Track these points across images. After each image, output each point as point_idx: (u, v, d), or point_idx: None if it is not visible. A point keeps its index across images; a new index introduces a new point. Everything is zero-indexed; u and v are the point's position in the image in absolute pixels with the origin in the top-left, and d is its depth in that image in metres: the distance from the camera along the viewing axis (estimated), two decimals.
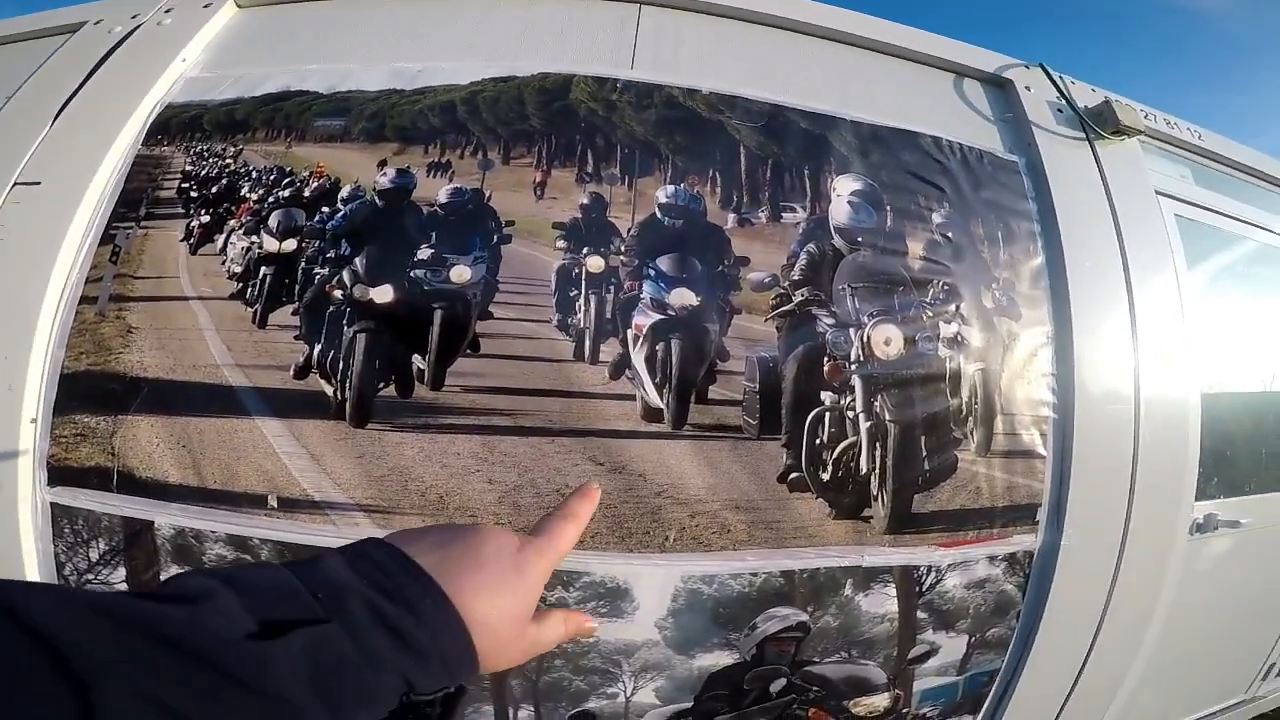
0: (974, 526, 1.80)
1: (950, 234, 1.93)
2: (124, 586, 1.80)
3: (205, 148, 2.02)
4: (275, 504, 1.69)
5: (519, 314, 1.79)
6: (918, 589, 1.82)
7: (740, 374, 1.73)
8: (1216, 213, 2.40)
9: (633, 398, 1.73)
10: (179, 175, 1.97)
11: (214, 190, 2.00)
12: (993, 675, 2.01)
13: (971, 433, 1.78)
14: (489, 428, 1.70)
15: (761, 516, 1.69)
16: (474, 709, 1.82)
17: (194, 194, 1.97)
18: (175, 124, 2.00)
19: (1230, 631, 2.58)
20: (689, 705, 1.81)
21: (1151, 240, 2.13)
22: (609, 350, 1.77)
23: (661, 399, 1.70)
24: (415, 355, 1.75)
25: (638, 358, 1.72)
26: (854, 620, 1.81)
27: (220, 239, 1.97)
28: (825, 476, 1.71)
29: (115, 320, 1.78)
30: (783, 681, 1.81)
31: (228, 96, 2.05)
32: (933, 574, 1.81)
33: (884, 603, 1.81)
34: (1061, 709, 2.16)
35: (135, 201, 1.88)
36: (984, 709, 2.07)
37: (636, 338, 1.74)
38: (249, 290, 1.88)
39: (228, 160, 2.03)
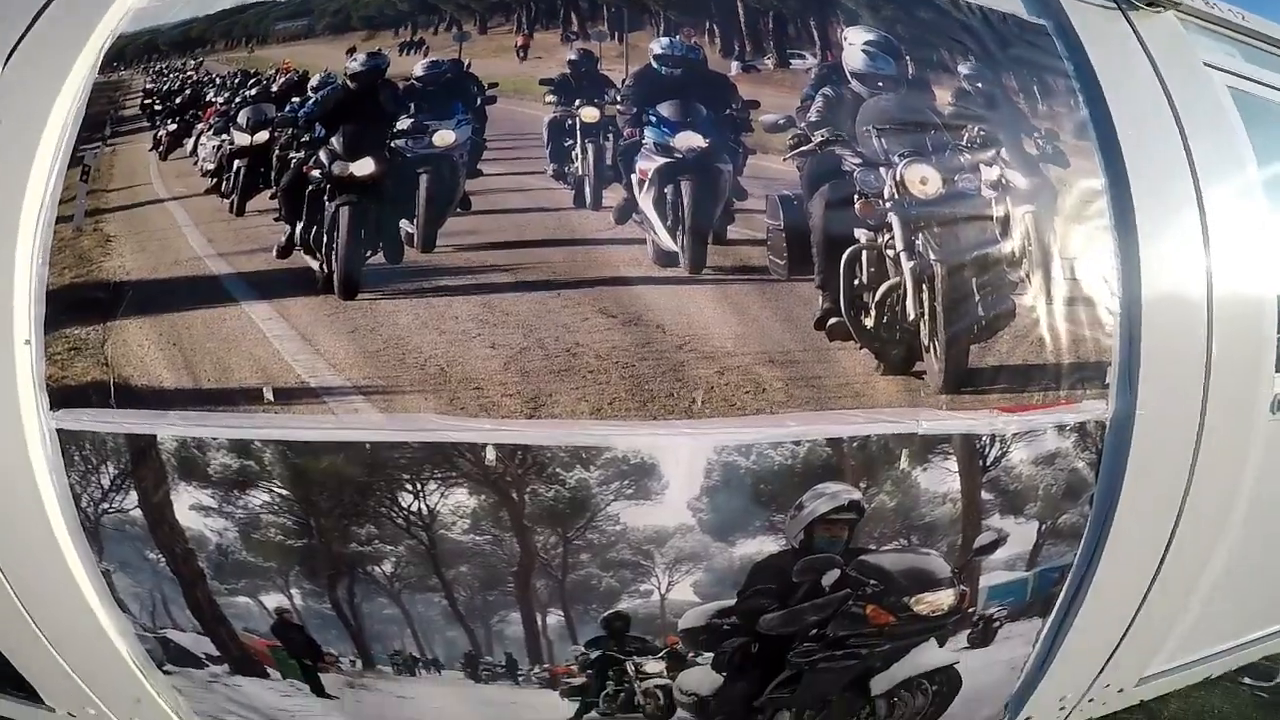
0: (1039, 387, 1.52)
1: (980, 84, 1.67)
2: (137, 513, 1.61)
3: (165, 65, 1.85)
4: (271, 396, 1.45)
5: (511, 169, 1.57)
6: (981, 463, 1.51)
7: (762, 213, 1.44)
8: (1271, 87, 2.10)
9: (643, 241, 1.48)
10: (140, 94, 1.80)
11: (178, 101, 1.84)
12: (1064, 571, 1.69)
13: (1028, 276, 1.48)
14: (488, 286, 1.45)
15: (800, 372, 1.40)
16: (499, 617, 1.54)
17: (158, 108, 1.81)
18: (130, 51, 1.80)
19: None
20: (732, 603, 1.47)
21: (1205, 106, 1.84)
22: (612, 197, 1.53)
23: (675, 241, 1.44)
24: (403, 221, 1.52)
25: (645, 201, 1.48)
26: (912, 500, 1.50)
27: (189, 143, 1.81)
28: (868, 322, 1.43)
29: (93, 233, 1.61)
30: (836, 573, 1.49)
31: (181, 18, 1.85)
32: (997, 445, 1.52)
33: (945, 479, 1.51)
34: (1136, 613, 1.82)
35: (99, 124, 1.71)
36: (1054, 611, 1.74)
37: (642, 182, 1.49)
38: (224, 183, 1.70)
39: (189, 73, 1.86)
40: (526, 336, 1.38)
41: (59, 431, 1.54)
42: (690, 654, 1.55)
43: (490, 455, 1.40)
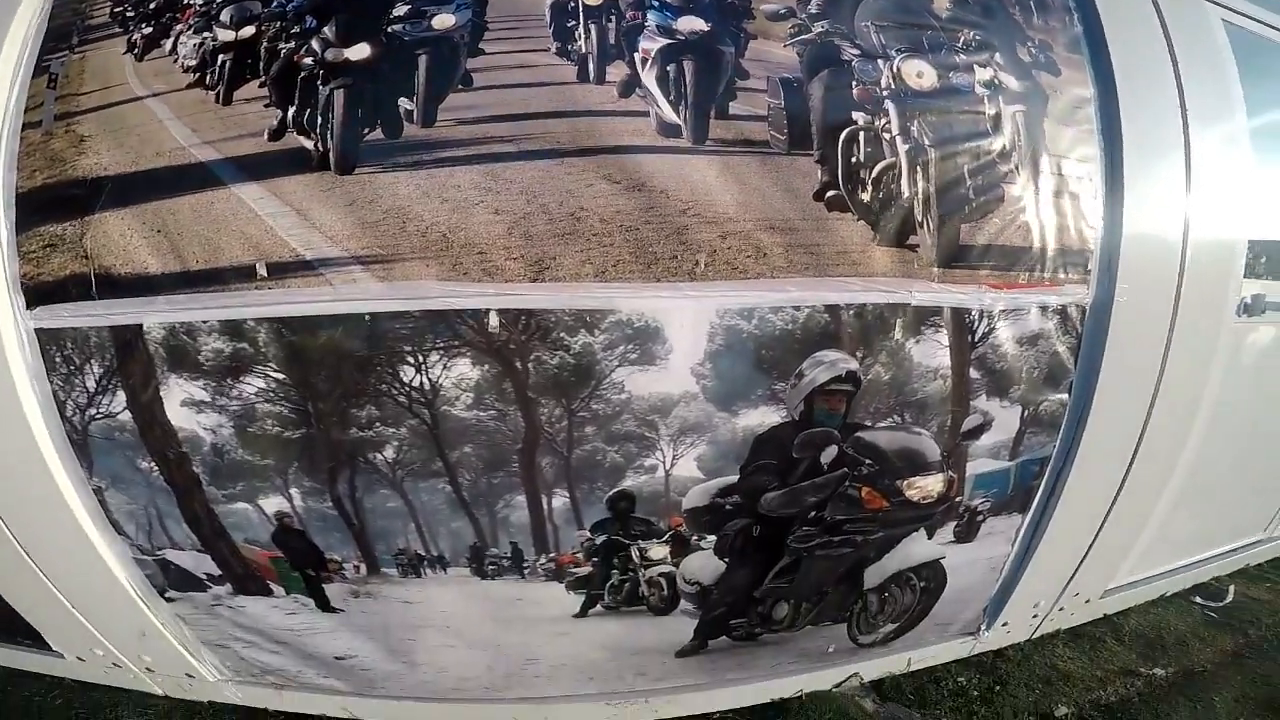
0: (1025, 268, 1.39)
1: None
2: (127, 415, 1.35)
3: None
4: (265, 272, 1.24)
5: (513, 47, 1.39)
6: (970, 338, 1.37)
7: (763, 92, 1.32)
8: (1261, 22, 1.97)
9: (646, 114, 1.33)
10: (110, 2, 1.56)
11: (152, 6, 1.57)
12: (1044, 464, 1.55)
13: (1017, 168, 1.38)
14: (490, 156, 1.27)
15: (800, 239, 1.27)
16: (504, 502, 1.34)
17: (130, 14, 1.55)
18: None
19: (1263, 454, 2.10)
20: (734, 479, 1.29)
21: (1196, 30, 1.64)
22: (615, 73, 1.38)
23: (678, 115, 1.29)
24: (402, 99, 1.34)
25: (648, 78, 1.34)
26: (905, 374, 1.36)
27: (168, 44, 1.54)
28: (865, 197, 1.30)
29: (64, 135, 1.37)
30: (834, 450, 1.33)
31: None
32: (985, 321, 1.39)
33: (936, 353, 1.37)
34: (1106, 517, 1.67)
35: (65, 34, 1.47)
36: (1032, 508, 1.59)
37: (645, 60, 1.35)
38: (208, 78, 1.45)
39: None
40: (530, 202, 1.22)
41: (38, 332, 1.29)
42: (694, 537, 1.36)
43: (494, 321, 1.23)
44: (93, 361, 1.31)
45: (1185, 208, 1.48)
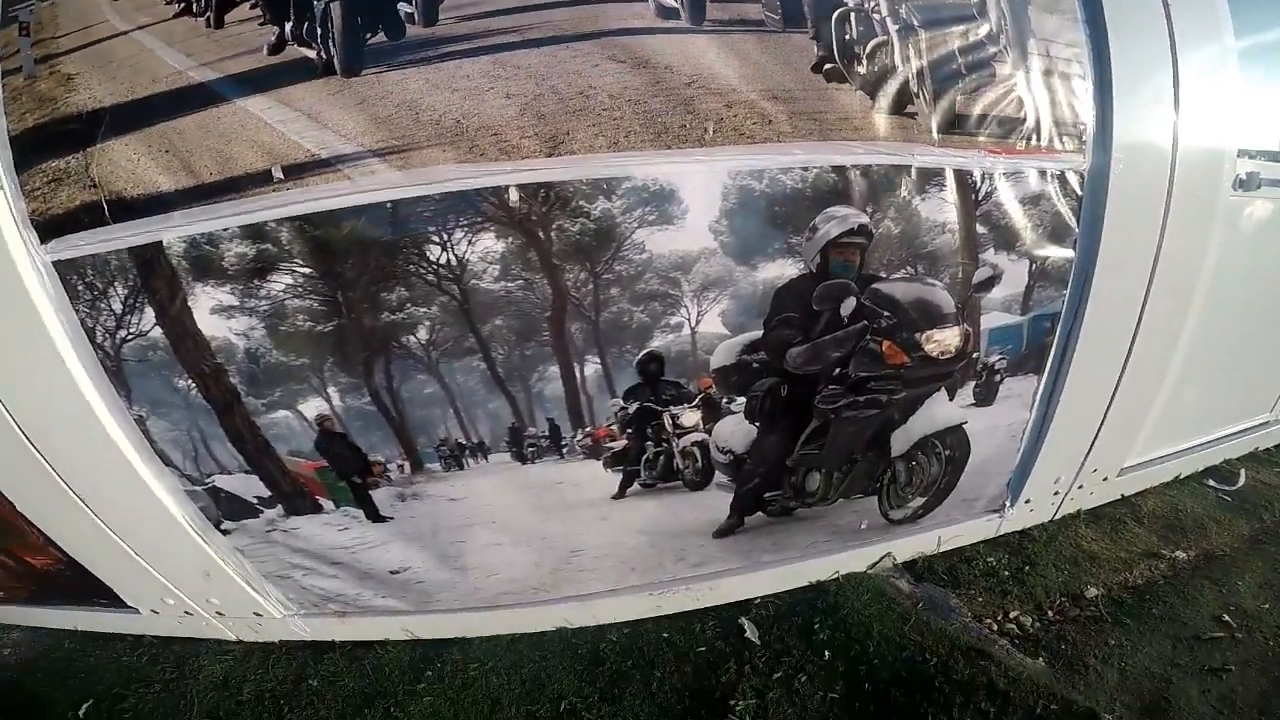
0: (1021, 136, 1.26)
1: None
2: (158, 331, 1.21)
3: None
4: (281, 174, 1.12)
5: None
6: (974, 196, 1.22)
7: None
8: None
9: (644, 0, 1.19)
10: None
11: None
12: (1054, 320, 1.37)
13: (1006, 49, 1.25)
14: (496, 46, 1.15)
15: (802, 107, 1.15)
16: (538, 374, 1.20)
17: None
18: None
19: (1263, 333, 1.87)
20: (758, 334, 1.14)
21: None
22: None
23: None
24: (401, 2, 1.19)
25: None
26: (915, 228, 1.22)
27: None
28: (861, 70, 1.18)
29: (49, 77, 1.22)
30: (852, 302, 1.18)
31: None
32: (986, 181, 1.25)
33: (942, 209, 1.24)
34: (1119, 379, 1.48)
35: None
36: (1048, 366, 1.40)
37: None
38: (194, 5, 1.28)
39: None
40: (539, 85, 1.11)
41: (56, 264, 1.16)
42: (724, 399, 1.21)
43: (514, 196, 1.11)
44: (116, 284, 1.17)
45: (1175, 82, 1.31)
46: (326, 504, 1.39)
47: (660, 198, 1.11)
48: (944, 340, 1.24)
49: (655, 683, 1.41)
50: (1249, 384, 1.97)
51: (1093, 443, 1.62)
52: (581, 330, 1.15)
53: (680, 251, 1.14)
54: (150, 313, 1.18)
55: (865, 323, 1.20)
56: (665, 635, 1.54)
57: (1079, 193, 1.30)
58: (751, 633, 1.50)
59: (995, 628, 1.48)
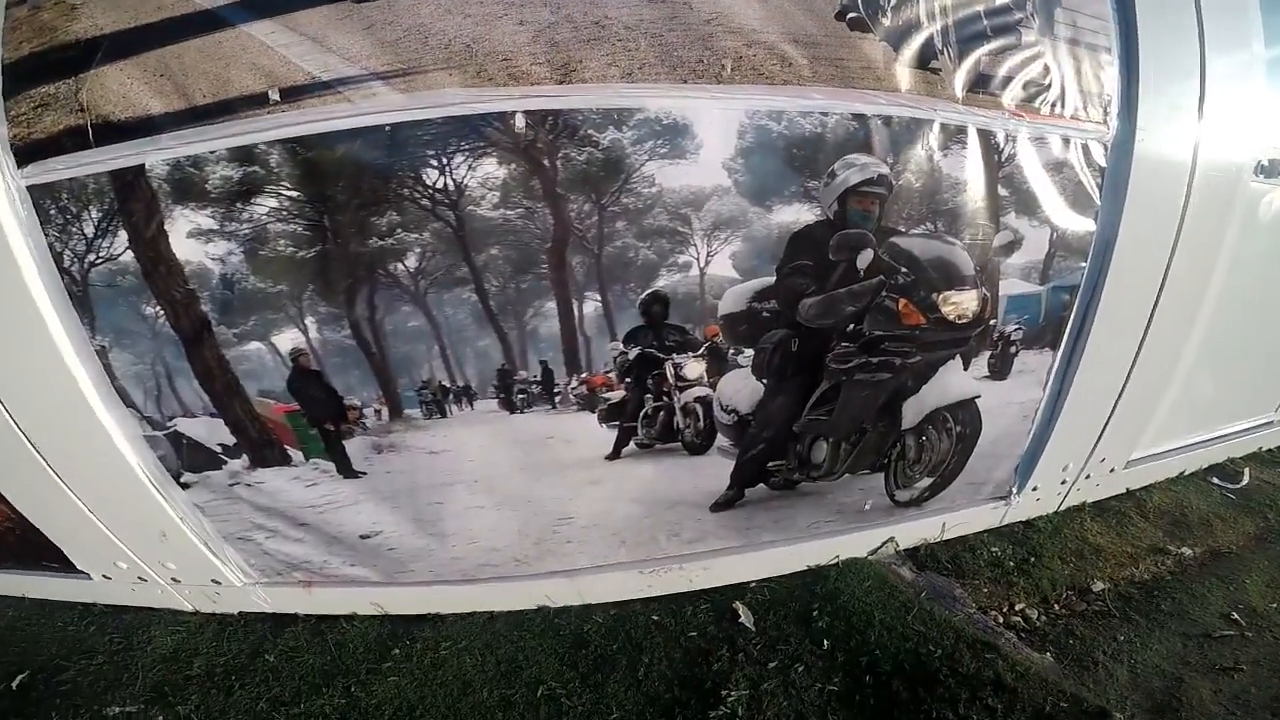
0: (1046, 102, 1.23)
1: None
2: (130, 255, 1.14)
3: None
4: (278, 97, 1.05)
5: None
6: (997, 157, 1.18)
7: None
8: None
9: None
10: None
11: None
12: (1073, 293, 1.32)
13: (1032, 15, 1.21)
14: None
15: (824, 53, 1.10)
16: (533, 310, 1.12)
17: None
18: None
19: (1273, 327, 1.83)
20: (771, 280, 1.06)
21: None
22: None
23: None
24: None
25: None
26: (935, 183, 1.17)
27: None
28: (886, 21, 1.13)
29: (54, 7, 1.15)
30: (870, 254, 1.12)
31: None
32: (1010, 143, 1.20)
33: (964, 166, 1.19)
34: (1134, 361, 1.43)
35: None
36: (1063, 343, 1.35)
37: None
38: None
39: None
40: (554, 13, 1.05)
41: (30, 189, 1.09)
42: (730, 349, 1.12)
43: (520, 122, 1.04)
44: (91, 208, 1.11)
45: (1199, 51, 1.29)
46: (295, 455, 1.28)
47: (673, 131, 1.05)
48: (962, 303, 1.18)
49: (642, 669, 1.31)
50: (1256, 381, 1.95)
51: (1104, 428, 1.58)
52: (583, 264, 1.07)
53: (692, 187, 1.07)
54: (124, 236, 1.11)
55: (882, 278, 1.15)
56: (655, 618, 1.44)
57: (1102, 163, 1.27)
58: (746, 618, 1.40)
59: (1001, 620, 1.42)
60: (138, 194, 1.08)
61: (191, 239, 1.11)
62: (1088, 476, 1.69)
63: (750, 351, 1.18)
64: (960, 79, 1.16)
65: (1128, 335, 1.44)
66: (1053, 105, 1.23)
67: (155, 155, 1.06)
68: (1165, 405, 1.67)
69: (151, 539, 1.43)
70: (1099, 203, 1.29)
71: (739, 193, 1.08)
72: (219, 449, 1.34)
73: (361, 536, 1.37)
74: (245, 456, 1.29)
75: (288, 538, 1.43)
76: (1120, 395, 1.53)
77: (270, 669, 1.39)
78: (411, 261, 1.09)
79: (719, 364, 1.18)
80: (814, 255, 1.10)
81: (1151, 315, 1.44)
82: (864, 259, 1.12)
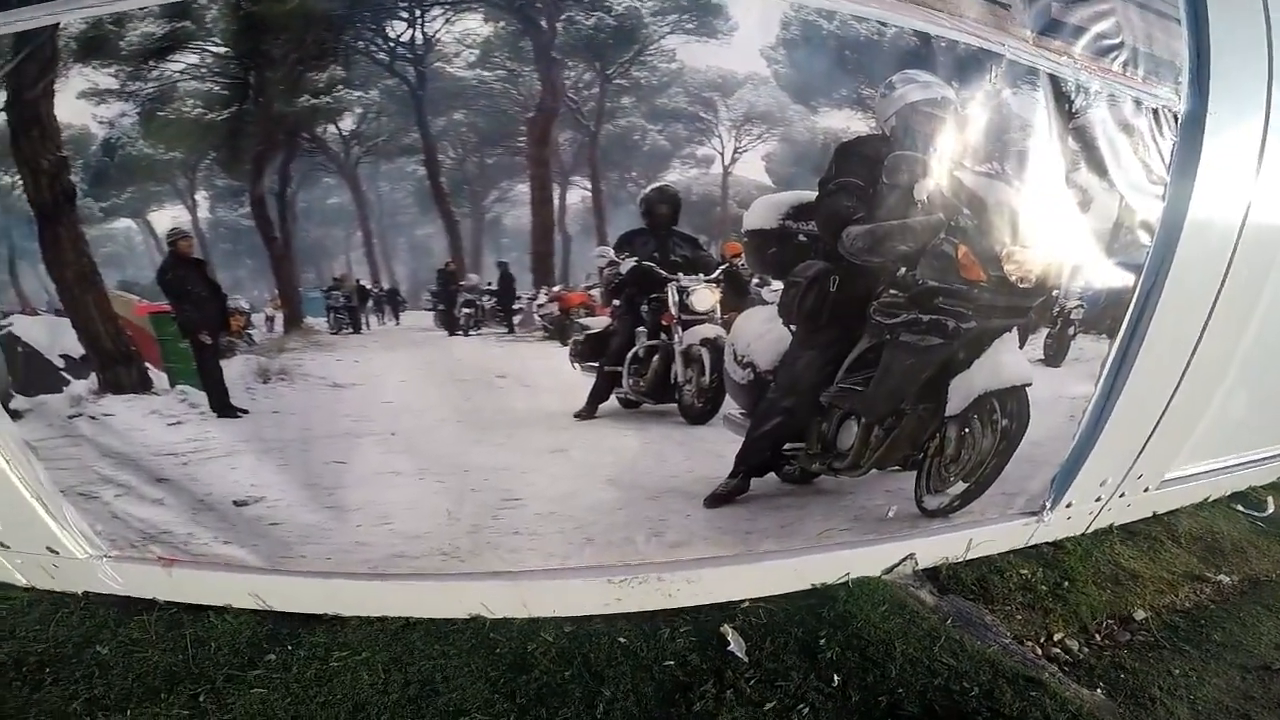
0: (1119, 61, 1.08)
1: None
2: (2, 118, 0.89)
3: None
4: None
5: None
6: (1068, 107, 1.01)
7: None
8: None
9: None
10: None
11: None
12: (1138, 272, 1.16)
13: None
14: None
15: None
16: (498, 193, 0.85)
17: None
18: None
19: None
20: (811, 197, 0.83)
21: None
22: None
23: None
24: None
25: None
26: (1003, 120, 0.99)
27: None
28: None
29: None
30: (930, 184, 0.89)
31: None
32: (1081, 95, 1.05)
33: (1034, 108, 1.02)
34: (1194, 353, 1.29)
35: None
36: (1122, 330, 1.18)
37: None
38: None
39: None
40: None
41: None
42: (753, 279, 0.86)
43: None
44: None
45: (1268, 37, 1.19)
46: (158, 379, 0.95)
47: (703, 8, 0.83)
48: (1025, 262, 0.98)
49: (602, 705, 1.01)
50: None
51: (1149, 438, 1.42)
52: (573, 142, 0.81)
53: (722, 70, 0.85)
54: (2, 97, 0.86)
55: (942, 216, 0.93)
56: (622, 640, 1.14)
57: (1173, 135, 1.13)
58: (737, 645, 1.12)
59: (1040, 651, 1.21)
60: (37, 54, 0.87)
61: (82, 99, 0.87)
62: (1122, 495, 1.53)
63: (778, 285, 0.93)
64: (1031, 18, 1.00)
65: (1189, 324, 1.29)
66: (1124, 65, 1.09)
67: (76, 13, 0.85)
68: (1208, 418, 1.52)
69: None
70: (1168, 177, 1.14)
71: (779, 84, 0.86)
72: (61, 363, 1.00)
73: (236, 503, 1.03)
74: (93, 376, 0.97)
75: (143, 497, 1.08)
76: (1171, 398, 1.37)
77: (100, 663, 1.08)
78: (348, 123, 0.81)
79: (737, 296, 0.92)
80: (865, 174, 0.88)
81: (1212, 309, 1.28)
82: (922, 190, 0.91)
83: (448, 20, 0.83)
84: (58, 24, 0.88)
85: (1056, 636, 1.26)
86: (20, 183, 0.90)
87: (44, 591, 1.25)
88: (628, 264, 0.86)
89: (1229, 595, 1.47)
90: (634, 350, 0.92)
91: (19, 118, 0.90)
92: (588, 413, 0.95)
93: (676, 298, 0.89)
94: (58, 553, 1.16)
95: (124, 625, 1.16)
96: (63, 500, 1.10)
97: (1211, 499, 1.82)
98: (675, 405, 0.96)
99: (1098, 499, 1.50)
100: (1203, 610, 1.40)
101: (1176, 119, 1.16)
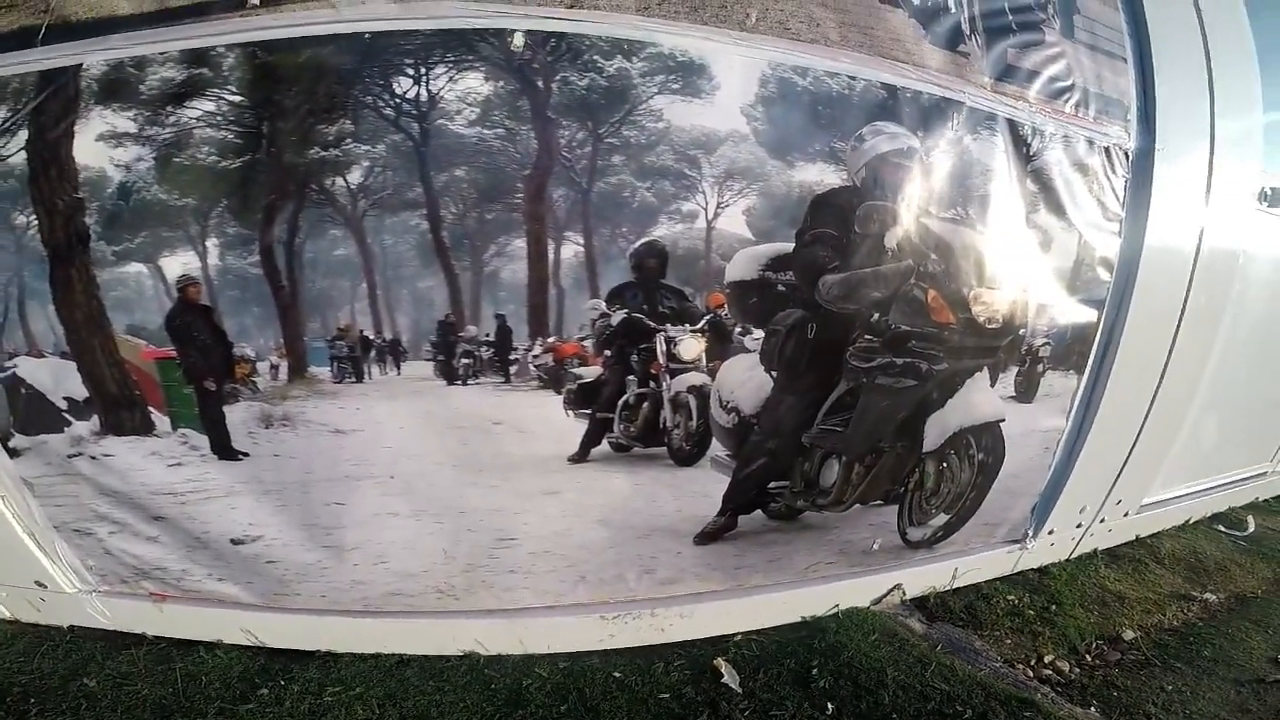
0: (1070, 102, 1.17)
1: None
2: (23, 156, 0.93)
3: None
4: (258, 1, 0.88)
5: None
6: (1025, 150, 1.08)
7: None
8: None
9: None
10: None
11: None
12: (1100, 307, 1.22)
13: (1053, 16, 1.17)
14: None
15: (853, 19, 1.01)
16: (496, 247, 0.89)
17: None
18: None
19: (1271, 372, 1.80)
20: (789, 248, 0.89)
21: None
22: None
23: None
24: None
25: None
26: (965, 166, 1.02)
27: None
28: (915, 0, 1.02)
29: None
30: (900, 232, 0.95)
31: None
32: (1038, 138, 1.13)
33: (992, 153, 1.07)
34: (1160, 382, 1.35)
35: None
36: (1089, 365, 1.24)
37: None
38: None
39: None
40: None
41: None
42: (736, 327, 0.90)
43: (518, 41, 0.87)
44: (2, 106, 0.91)
45: (1206, 66, 1.28)
46: (161, 421, 0.97)
47: (688, 69, 0.91)
48: (992, 303, 1.04)
49: None
50: (1255, 426, 1.92)
51: (1124, 465, 1.47)
52: (567, 199, 0.86)
53: (705, 129, 0.92)
54: (23, 135, 0.91)
55: (911, 262, 0.99)
56: (617, 675, 1.13)
57: (1125, 172, 1.22)
58: (730, 677, 1.12)
59: (1031, 673, 1.22)
60: (60, 94, 0.91)
61: (101, 142, 0.91)
62: (1102, 520, 1.57)
63: (759, 333, 0.98)
64: (989, 65, 1.10)
65: (1153, 355, 1.35)
66: (1076, 106, 1.19)
67: (97, 55, 0.89)
68: (1179, 444, 1.58)
69: None
70: (1123, 213, 1.22)
71: (758, 141, 0.93)
72: (64, 404, 1.02)
73: (233, 541, 1.04)
74: (96, 418, 0.98)
75: (138, 534, 1.09)
76: (1142, 426, 1.42)
77: (86, 695, 1.05)
78: (355, 176, 0.86)
79: (721, 345, 0.97)
80: (839, 224, 0.95)
81: (1175, 337, 1.35)
82: (893, 238, 0.97)
83: (450, 78, 0.89)
84: (80, 64, 0.92)
85: (1047, 659, 1.28)
86: (35, 223, 0.93)
87: (28, 625, 1.22)
88: (618, 316, 0.92)
89: (1216, 613, 1.50)
90: (625, 398, 0.97)
91: (39, 157, 0.93)
92: (580, 456, 0.98)
93: (664, 347, 0.95)
94: (46, 586, 1.16)
95: (111, 659, 1.15)
96: (55, 535, 1.10)
97: (1193, 520, 1.87)
98: (664, 449, 1.01)
99: (1079, 525, 1.53)
100: (1191, 628, 1.43)
101: (1128, 156, 1.25)
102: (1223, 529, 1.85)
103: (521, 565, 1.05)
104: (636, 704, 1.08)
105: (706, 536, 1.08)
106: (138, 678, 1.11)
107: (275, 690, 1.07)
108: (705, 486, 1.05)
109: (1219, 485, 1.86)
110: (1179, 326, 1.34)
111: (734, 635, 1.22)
